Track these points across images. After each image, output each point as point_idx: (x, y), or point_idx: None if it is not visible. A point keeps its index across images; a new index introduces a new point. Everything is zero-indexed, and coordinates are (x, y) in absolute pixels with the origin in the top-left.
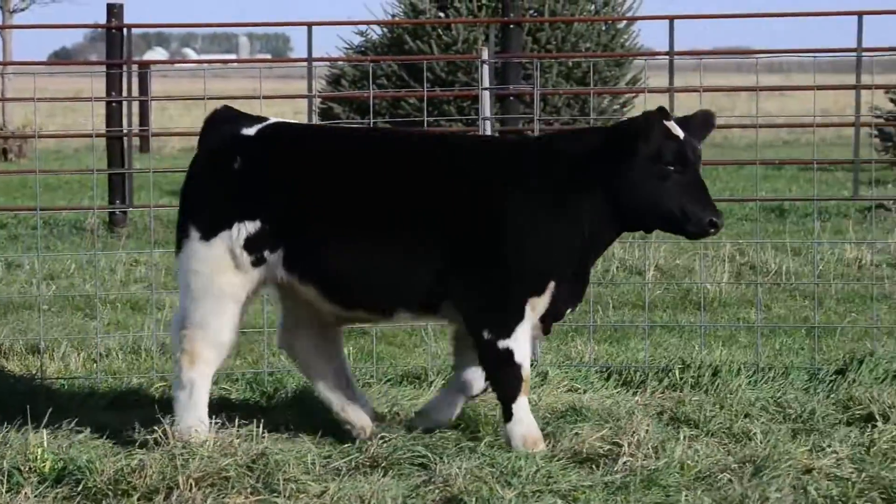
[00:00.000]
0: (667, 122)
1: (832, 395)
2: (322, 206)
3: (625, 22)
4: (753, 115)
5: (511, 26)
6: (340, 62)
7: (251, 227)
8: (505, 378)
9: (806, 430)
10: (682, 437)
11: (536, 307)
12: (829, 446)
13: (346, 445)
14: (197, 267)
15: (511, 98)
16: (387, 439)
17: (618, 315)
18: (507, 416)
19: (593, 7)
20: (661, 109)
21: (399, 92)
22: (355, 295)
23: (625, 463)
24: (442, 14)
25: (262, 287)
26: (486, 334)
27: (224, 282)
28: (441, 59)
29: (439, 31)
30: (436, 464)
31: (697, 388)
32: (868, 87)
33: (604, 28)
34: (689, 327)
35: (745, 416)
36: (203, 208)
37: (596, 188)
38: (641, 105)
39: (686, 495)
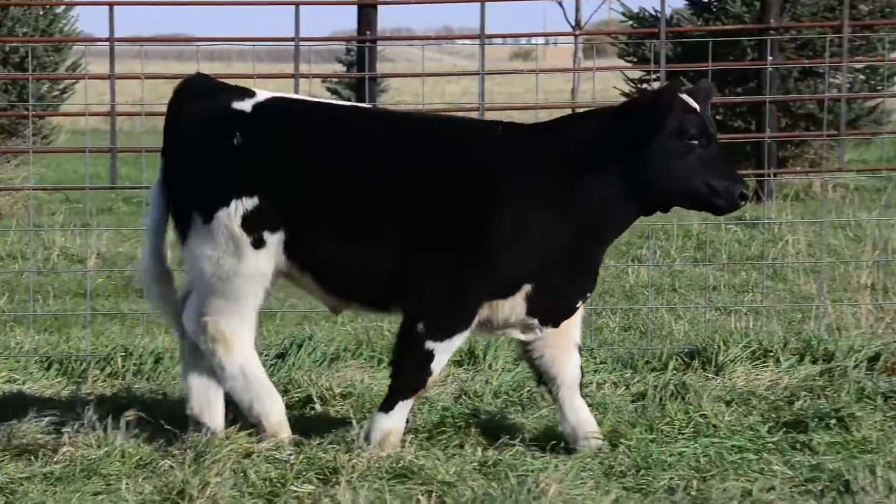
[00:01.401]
0: (683, 96)
1: (273, 378)
2: (320, 190)
3: (63, 7)
4: None
5: None
6: None
7: (248, 203)
8: (412, 376)
9: None
10: (123, 426)
11: (500, 310)
12: None
13: None
14: (205, 251)
15: None
16: None
17: (59, 304)
18: (387, 406)
19: None
20: (675, 83)
21: None
22: (351, 287)
23: (65, 453)
24: None
25: (275, 274)
26: (420, 327)
27: (232, 265)
28: None
29: None
30: None
31: (140, 375)
32: (306, 76)
33: (42, 12)
34: (132, 315)
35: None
36: (200, 188)
37: (606, 172)
38: (82, 91)
39: (127, 483)
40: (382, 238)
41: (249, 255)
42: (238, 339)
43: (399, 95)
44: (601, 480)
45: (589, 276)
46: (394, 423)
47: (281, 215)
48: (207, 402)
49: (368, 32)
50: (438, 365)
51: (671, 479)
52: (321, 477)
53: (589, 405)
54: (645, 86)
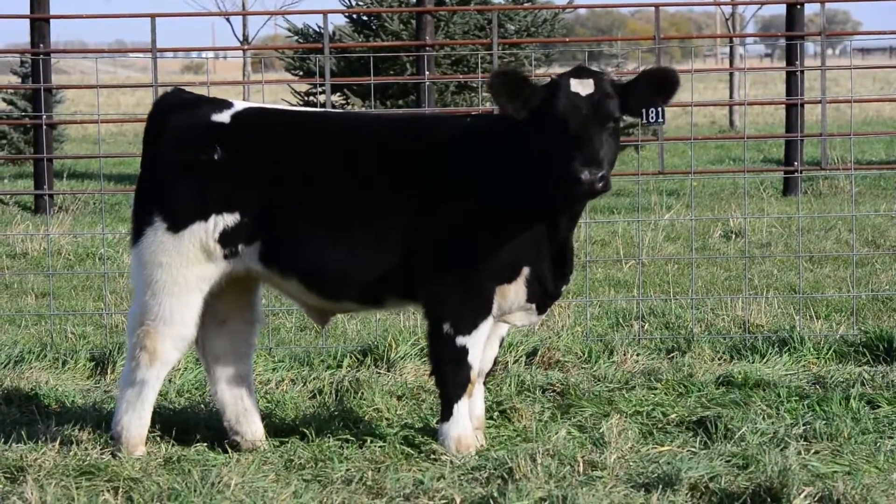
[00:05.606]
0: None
1: None
2: (302, 196)
3: None
4: None
5: None
6: None
7: (230, 219)
8: (454, 377)
9: None
10: None
11: (507, 296)
12: None
13: None
14: (163, 259)
15: None
16: None
17: None
18: (446, 415)
19: None
20: (580, 67)
21: None
22: (341, 287)
23: None
24: None
25: (227, 278)
26: (446, 328)
27: (192, 274)
28: None
29: None
30: None
31: None
32: None
33: None
34: None
35: None
36: (172, 198)
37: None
38: None
39: None
40: (377, 239)
41: (212, 266)
42: (163, 359)
43: (75, 106)
44: (282, 473)
45: (567, 257)
46: (460, 426)
47: (262, 225)
48: (244, 411)
49: (42, 45)
50: (475, 356)
51: (347, 470)
52: (8, 476)
53: (269, 402)
54: (311, 98)
